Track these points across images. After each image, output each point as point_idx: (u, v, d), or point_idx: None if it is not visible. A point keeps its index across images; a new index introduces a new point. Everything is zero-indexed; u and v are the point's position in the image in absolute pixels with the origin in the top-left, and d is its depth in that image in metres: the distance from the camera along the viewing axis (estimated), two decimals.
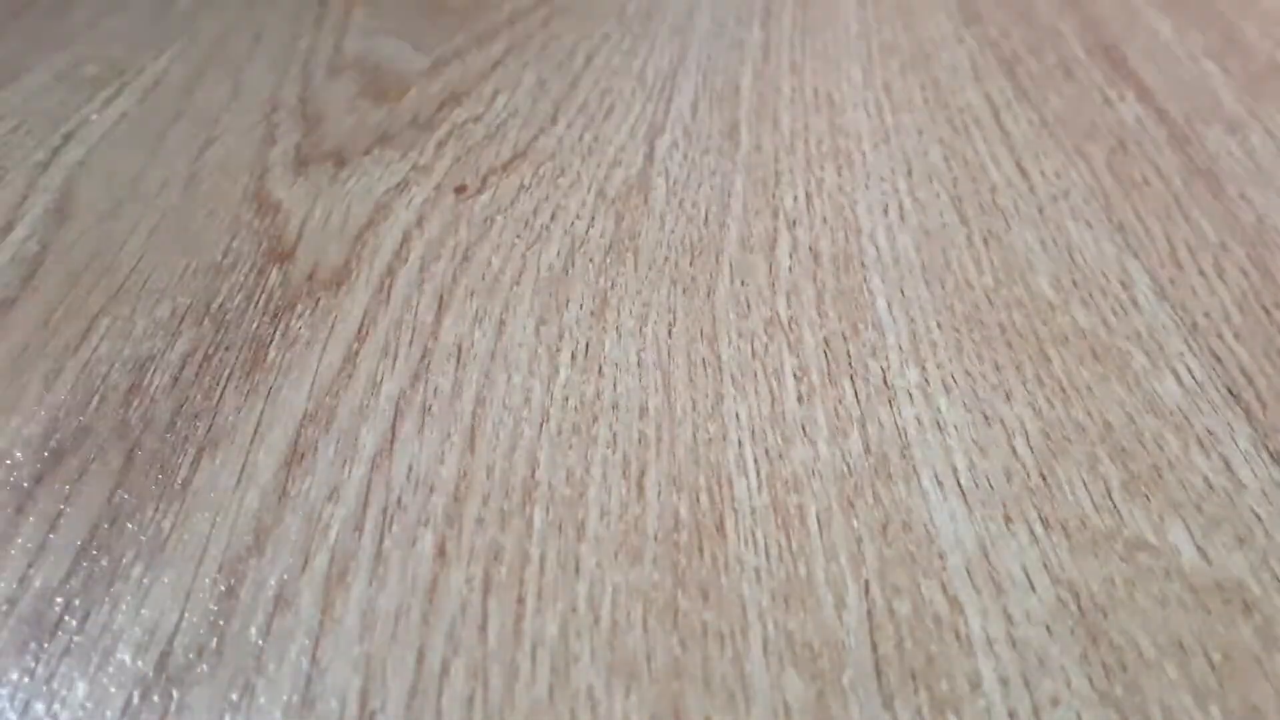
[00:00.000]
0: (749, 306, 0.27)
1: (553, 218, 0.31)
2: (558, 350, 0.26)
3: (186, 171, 0.34)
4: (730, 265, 0.29)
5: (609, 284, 0.28)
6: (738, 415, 0.24)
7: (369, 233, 0.31)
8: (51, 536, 0.22)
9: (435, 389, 0.25)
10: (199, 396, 0.25)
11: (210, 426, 0.24)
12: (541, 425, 0.24)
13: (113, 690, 0.19)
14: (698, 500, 0.22)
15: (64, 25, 0.45)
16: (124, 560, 0.21)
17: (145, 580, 0.21)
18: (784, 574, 0.20)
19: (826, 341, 0.26)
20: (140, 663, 0.19)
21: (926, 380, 0.25)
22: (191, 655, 0.19)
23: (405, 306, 0.28)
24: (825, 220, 0.30)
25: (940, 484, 0.22)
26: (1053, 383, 0.24)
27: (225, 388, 0.25)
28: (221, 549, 0.21)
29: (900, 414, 0.24)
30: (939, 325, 0.26)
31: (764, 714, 0.18)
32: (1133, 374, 0.24)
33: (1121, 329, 0.26)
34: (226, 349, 0.26)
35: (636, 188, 0.32)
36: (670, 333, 0.26)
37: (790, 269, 0.28)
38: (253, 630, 0.20)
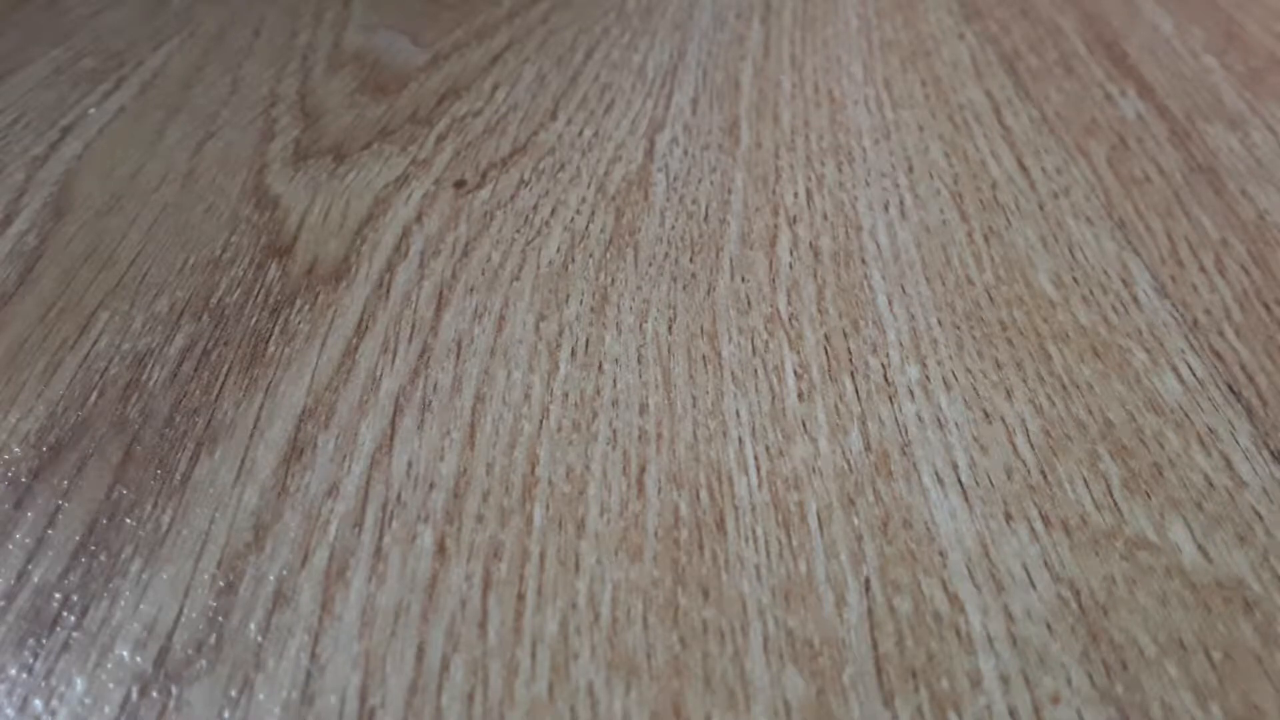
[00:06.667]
0: (749, 303, 0.27)
1: (553, 213, 0.31)
2: (557, 346, 0.26)
3: (185, 166, 0.34)
4: (730, 262, 0.29)
5: (609, 280, 0.28)
6: (738, 412, 0.24)
7: (368, 228, 0.31)
8: (50, 532, 0.22)
9: (435, 385, 0.25)
10: (198, 391, 0.25)
11: (209, 422, 0.24)
12: (541, 422, 0.24)
13: (111, 686, 0.19)
14: (698, 497, 0.22)
15: (63, 19, 0.45)
16: (123, 556, 0.21)
17: (144, 576, 0.21)
18: (784, 571, 0.20)
19: (827, 338, 0.26)
20: (139, 659, 0.19)
21: (927, 377, 0.25)
22: (190, 651, 0.19)
23: (404, 302, 0.28)
24: (826, 217, 0.30)
25: (941, 481, 0.22)
26: (1053, 380, 0.24)
27: (224, 383, 0.25)
28: (220, 545, 0.21)
29: (901, 411, 0.24)
30: (939, 322, 0.26)
31: (764, 712, 0.18)
32: (1133, 371, 0.24)
33: (1122, 326, 0.26)
34: (225, 344, 0.26)
35: (636, 183, 0.32)
36: (670, 329, 0.26)
37: (791, 265, 0.28)
38: (252, 626, 0.20)
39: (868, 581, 0.20)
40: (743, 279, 0.28)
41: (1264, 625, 0.19)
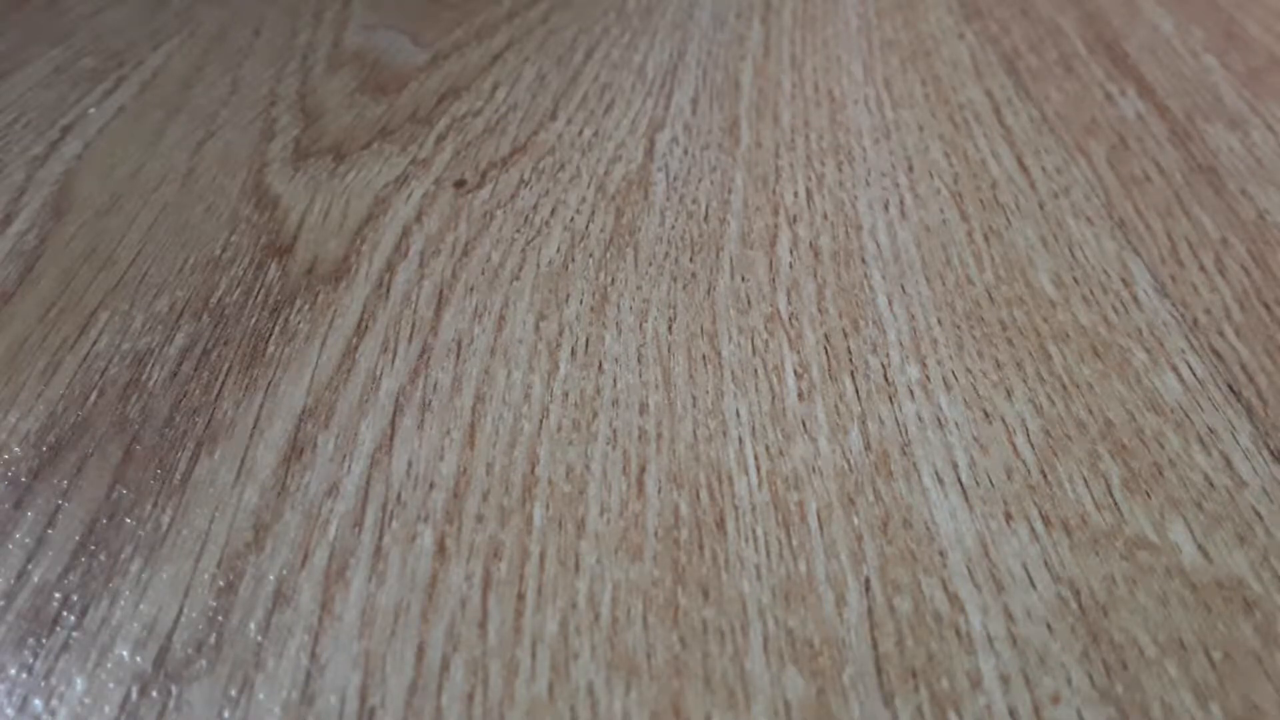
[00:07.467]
0: (749, 303, 0.27)
1: (553, 213, 0.31)
2: (557, 346, 0.26)
3: (185, 165, 0.34)
4: (730, 261, 0.29)
5: (609, 280, 0.28)
6: (738, 412, 0.24)
7: (368, 227, 0.31)
8: (50, 531, 0.22)
9: (435, 384, 0.25)
10: (198, 391, 0.25)
11: (209, 421, 0.24)
12: (541, 421, 0.24)
13: (111, 686, 0.19)
14: (698, 497, 0.22)
15: (63, 19, 0.45)
16: (122, 555, 0.21)
17: (144, 575, 0.21)
18: (784, 571, 0.20)
19: (827, 338, 0.26)
20: (139, 658, 0.19)
21: (927, 377, 0.25)
22: (190, 651, 0.19)
23: (404, 301, 0.28)
24: (826, 216, 0.30)
25: (941, 481, 0.22)
26: (1053, 380, 0.24)
27: (224, 382, 0.25)
28: (220, 544, 0.21)
29: (901, 411, 0.24)
30: (940, 322, 0.26)
31: (764, 711, 0.18)
32: (1133, 371, 0.24)
33: (1122, 326, 0.26)
34: (225, 343, 0.26)
35: (636, 183, 0.32)
36: (670, 329, 0.26)
37: (791, 265, 0.28)
38: (252, 626, 0.20)
39: (868, 581, 0.20)
40: (743, 278, 0.28)
41: (1264, 625, 0.19)
